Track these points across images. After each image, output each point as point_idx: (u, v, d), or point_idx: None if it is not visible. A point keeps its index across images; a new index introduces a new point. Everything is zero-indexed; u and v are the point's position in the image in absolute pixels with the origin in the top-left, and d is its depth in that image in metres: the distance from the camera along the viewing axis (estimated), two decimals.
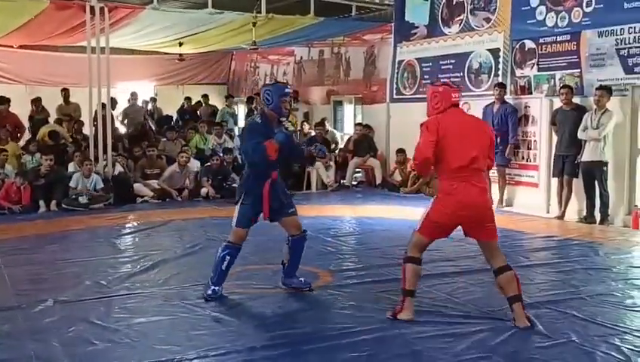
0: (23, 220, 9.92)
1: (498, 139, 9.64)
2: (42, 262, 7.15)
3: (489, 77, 11.58)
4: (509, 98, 10.95)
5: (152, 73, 20.53)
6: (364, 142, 13.91)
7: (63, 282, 6.27)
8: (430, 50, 12.96)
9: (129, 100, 16.49)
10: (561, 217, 9.78)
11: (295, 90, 15.69)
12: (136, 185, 11.88)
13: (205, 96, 18.02)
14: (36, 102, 14.71)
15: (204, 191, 12.03)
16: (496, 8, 11.42)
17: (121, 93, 17.03)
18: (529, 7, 10.71)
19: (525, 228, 9.08)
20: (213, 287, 5.66)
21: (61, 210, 10.62)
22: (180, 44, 16.10)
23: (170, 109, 18.39)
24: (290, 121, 5.71)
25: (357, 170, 14.23)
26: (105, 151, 11.86)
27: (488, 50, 11.61)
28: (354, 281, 6.30)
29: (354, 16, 14.25)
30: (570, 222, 9.63)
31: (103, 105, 12.21)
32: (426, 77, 13.03)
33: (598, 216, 9.34)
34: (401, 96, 13.76)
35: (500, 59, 11.34)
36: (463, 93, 5.36)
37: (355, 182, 14.21)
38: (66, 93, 14.87)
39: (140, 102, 17.07)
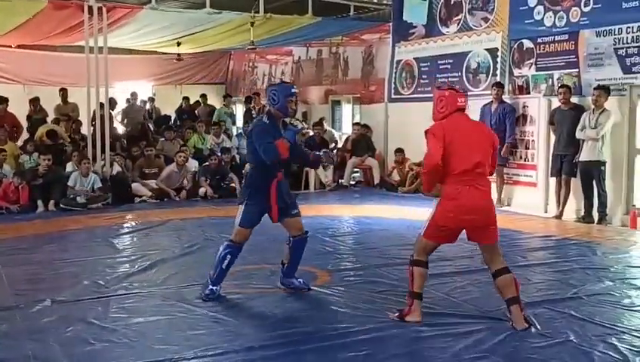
0: (21, 220, 9.91)
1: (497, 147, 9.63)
2: (40, 261, 7.14)
3: (487, 77, 11.59)
4: (507, 98, 10.96)
5: (150, 73, 20.54)
6: (362, 141, 13.91)
7: (61, 282, 6.26)
8: (428, 50, 12.97)
9: (129, 100, 16.47)
10: (559, 217, 9.79)
11: None
12: (134, 185, 11.87)
13: (203, 96, 18.02)
14: (34, 101, 14.69)
15: (202, 190, 12.03)
16: (494, 8, 11.43)
17: (120, 93, 17.05)
18: (527, 7, 10.71)
19: (523, 228, 9.08)
20: (211, 287, 5.66)
21: (59, 210, 10.61)
22: (178, 44, 16.10)
23: (169, 109, 18.40)
24: (297, 119, 5.73)
25: (355, 169, 14.23)
26: (103, 151, 11.86)
27: (486, 49, 11.62)
28: (352, 281, 6.30)
29: (352, 15, 14.27)
30: (568, 221, 9.63)
31: (102, 105, 12.20)
32: (424, 77, 13.05)
33: (596, 215, 9.35)
34: (399, 96, 13.76)
35: (498, 59, 11.35)
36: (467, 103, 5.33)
37: (353, 182, 14.20)
38: (64, 93, 14.86)
39: (138, 102, 17.06)
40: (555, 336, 4.70)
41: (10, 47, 16.83)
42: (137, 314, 5.30)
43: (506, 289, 4.93)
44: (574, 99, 9.79)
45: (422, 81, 13.09)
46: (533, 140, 10.67)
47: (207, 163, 12.44)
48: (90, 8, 11.32)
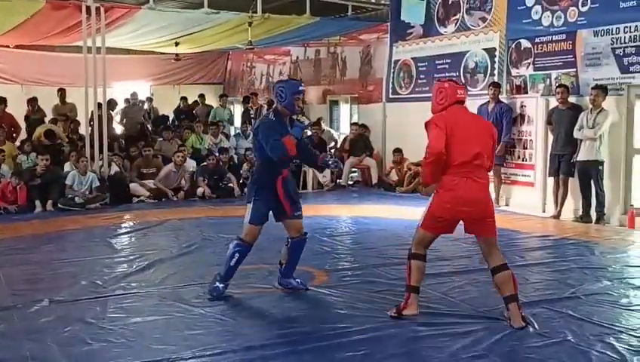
0: (19, 220, 9.91)
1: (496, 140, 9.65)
2: (38, 261, 7.14)
3: (485, 76, 11.59)
4: (504, 97, 10.97)
5: (148, 73, 20.53)
6: (360, 141, 13.92)
7: (59, 282, 6.26)
8: (426, 50, 12.97)
9: (128, 100, 16.45)
10: (557, 216, 9.80)
11: None
12: (132, 185, 11.86)
13: (202, 96, 18.02)
14: (32, 102, 14.68)
15: (200, 191, 12.03)
16: (491, 8, 11.43)
17: (119, 94, 17.05)
18: (525, 7, 10.72)
19: (521, 228, 9.09)
20: (218, 284, 5.67)
21: (57, 210, 10.61)
22: (176, 44, 16.10)
23: (167, 109, 18.39)
24: (304, 115, 5.73)
25: (353, 169, 14.23)
26: (101, 151, 11.85)
27: (484, 49, 11.63)
28: (350, 281, 6.30)
29: (350, 15, 14.27)
30: (566, 221, 9.64)
31: (100, 105, 12.19)
32: (422, 76, 13.05)
33: (594, 215, 9.36)
34: (397, 96, 13.77)
35: (496, 59, 11.36)
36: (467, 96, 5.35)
37: (351, 182, 14.21)
38: (62, 93, 14.84)
39: (138, 103, 17.03)
40: (553, 336, 4.70)
41: (9, 47, 16.83)
42: (135, 313, 5.30)
43: (504, 286, 4.93)
44: (572, 99, 9.80)
45: (420, 80, 13.10)
46: (531, 140, 10.68)
47: (205, 163, 12.43)
48: (88, 8, 11.32)
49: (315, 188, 13.34)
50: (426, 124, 5.00)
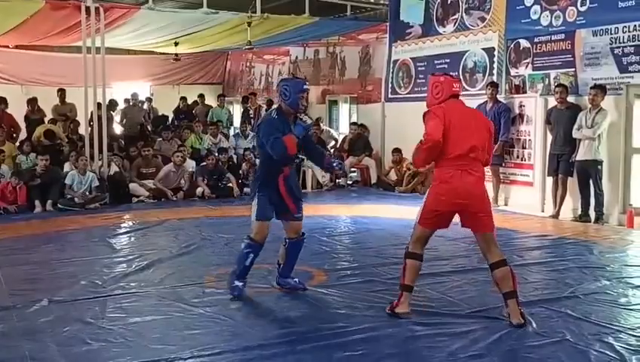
0: (19, 220, 9.92)
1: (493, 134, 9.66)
2: (37, 261, 7.13)
3: (484, 76, 11.60)
4: (503, 97, 10.98)
5: (147, 73, 20.54)
6: (359, 141, 13.93)
7: (58, 282, 6.26)
8: (425, 50, 12.98)
9: (129, 101, 16.45)
10: (555, 216, 9.80)
11: None
12: (131, 185, 11.86)
13: (201, 96, 18.01)
14: (32, 102, 14.68)
15: (199, 190, 12.03)
16: (490, 7, 11.44)
17: (119, 94, 17.04)
18: (524, 7, 10.73)
19: (520, 227, 9.09)
20: (236, 283, 5.68)
21: (57, 210, 10.61)
22: (176, 44, 16.11)
23: (166, 109, 18.37)
24: (307, 115, 5.69)
25: (352, 169, 14.24)
26: (100, 151, 11.85)
27: (483, 49, 11.64)
28: (348, 281, 6.30)
29: (349, 15, 14.28)
30: (564, 220, 9.65)
31: (99, 105, 12.19)
32: (421, 76, 13.06)
33: (592, 214, 9.36)
34: (396, 96, 13.78)
35: (495, 59, 11.37)
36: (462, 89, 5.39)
37: (350, 182, 14.22)
38: (62, 93, 14.83)
39: (138, 103, 17.03)
40: (552, 335, 4.70)
41: (8, 47, 16.84)
42: (134, 313, 5.30)
43: (503, 282, 4.94)
44: (571, 99, 9.81)
45: (419, 80, 13.10)
46: (529, 140, 10.69)
47: (204, 163, 12.43)
48: (87, 9, 11.31)
49: (315, 187, 13.35)
50: (425, 114, 5.02)
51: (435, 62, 12.69)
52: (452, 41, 12.30)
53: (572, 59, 9.96)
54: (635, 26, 9.03)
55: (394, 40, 13.83)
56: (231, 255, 7.38)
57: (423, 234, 5.08)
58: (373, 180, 13.66)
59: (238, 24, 13.33)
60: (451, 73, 5.77)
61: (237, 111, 19.51)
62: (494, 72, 11.36)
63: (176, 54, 17.73)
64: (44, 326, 4.96)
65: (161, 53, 18.91)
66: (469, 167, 4.89)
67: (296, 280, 5.94)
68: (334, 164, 6.06)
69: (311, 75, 17.42)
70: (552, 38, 10.26)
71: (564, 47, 10.08)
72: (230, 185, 12.32)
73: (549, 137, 10.15)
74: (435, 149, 4.87)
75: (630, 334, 4.76)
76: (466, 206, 4.90)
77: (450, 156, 4.87)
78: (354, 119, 15.46)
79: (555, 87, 9.96)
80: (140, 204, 11.54)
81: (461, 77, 11.95)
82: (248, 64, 21.04)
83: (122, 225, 9.60)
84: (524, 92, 10.80)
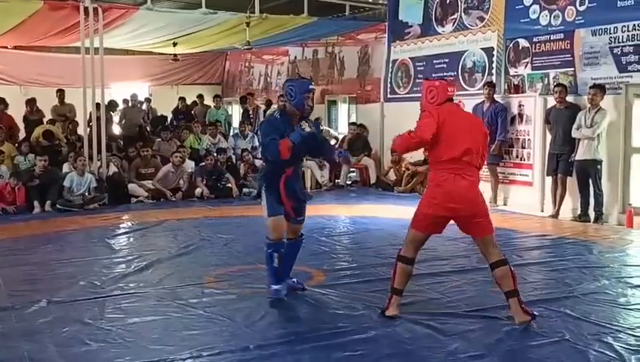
0: (18, 221, 9.91)
1: (488, 138, 9.67)
2: (36, 262, 7.12)
3: (483, 76, 11.59)
4: (499, 97, 10.98)
5: (146, 73, 20.53)
6: (358, 141, 13.93)
7: (57, 282, 6.25)
8: (424, 50, 12.98)
9: (128, 101, 16.43)
10: (555, 216, 9.80)
11: None
12: (130, 186, 11.86)
13: (200, 97, 18.01)
14: (31, 102, 14.67)
15: (198, 191, 12.02)
16: (489, 7, 11.44)
17: (118, 95, 17.02)
18: (523, 6, 10.73)
19: (519, 227, 9.09)
20: (274, 288, 5.62)
21: (56, 211, 10.60)
22: (175, 45, 16.10)
23: (165, 109, 18.37)
24: (309, 121, 5.52)
25: (351, 169, 14.23)
26: (99, 152, 11.84)
27: (482, 49, 11.63)
28: (347, 281, 6.29)
29: (348, 15, 14.29)
30: (564, 220, 9.65)
31: (98, 106, 12.18)
32: (420, 76, 13.03)
33: (592, 214, 9.36)
34: (395, 96, 13.77)
35: (494, 58, 11.36)
36: (456, 92, 5.39)
37: (349, 182, 14.21)
38: (61, 93, 14.82)
39: (137, 104, 17.02)
40: (551, 335, 4.70)
41: (7, 47, 16.83)
42: (133, 314, 5.29)
43: (504, 281, 4.93)
44: (570, 98, 9.81)
45: (418, 80, 13.07)
46: (529, 139, 10.69)
47: (203, 163, 12.42)
48: (85, 9, 11.30)
49: (314, 187, 13.34)
50: (421, 112, 5.03)
51: (434, 62, 12.69)
52: (451, 41, 12.29)
53: (571, 58, 9.96)
54: (634, 25, 9.03)
55: (393, 40, 13.82)
56: (230, 255, 7.42)
57: (415, 237, 5.06)
58: (373, 180, 13.66)
59: (236, 24, 13.33)
60: (446, 77, 5.78)
61: (236, 111, 19.50)
62: (493, 71, 11.36)
63: (174, 55, 17.72)
64: (43, 327, 4.95)
65: (159, 54, 18.90)
66: (462, 171, 4.88)
67: (295, 280, 5.93)
68: (342, 153, 6.10)
69: (310, 75, 17.40)
70: (551, 38, 10.26)
71: (563, 47, 10.08)
72: (229, 185, 12.31)
73: (549, 137, 10.15)
74: (420, 146, 5.03)
75: (629, 334, 4.75)
76: (460, 210, 4.88)
77: (444, 159, 4.86)
78: (353, 119, 15.46)
79: (554, 86, 9.96)
80: (138, 204, 11.54)
81: (460, 77, 11.97)
82: (247, 64, 21.03)
83: (121, 225, 9.59)
84: (523, 92, 10.80)
